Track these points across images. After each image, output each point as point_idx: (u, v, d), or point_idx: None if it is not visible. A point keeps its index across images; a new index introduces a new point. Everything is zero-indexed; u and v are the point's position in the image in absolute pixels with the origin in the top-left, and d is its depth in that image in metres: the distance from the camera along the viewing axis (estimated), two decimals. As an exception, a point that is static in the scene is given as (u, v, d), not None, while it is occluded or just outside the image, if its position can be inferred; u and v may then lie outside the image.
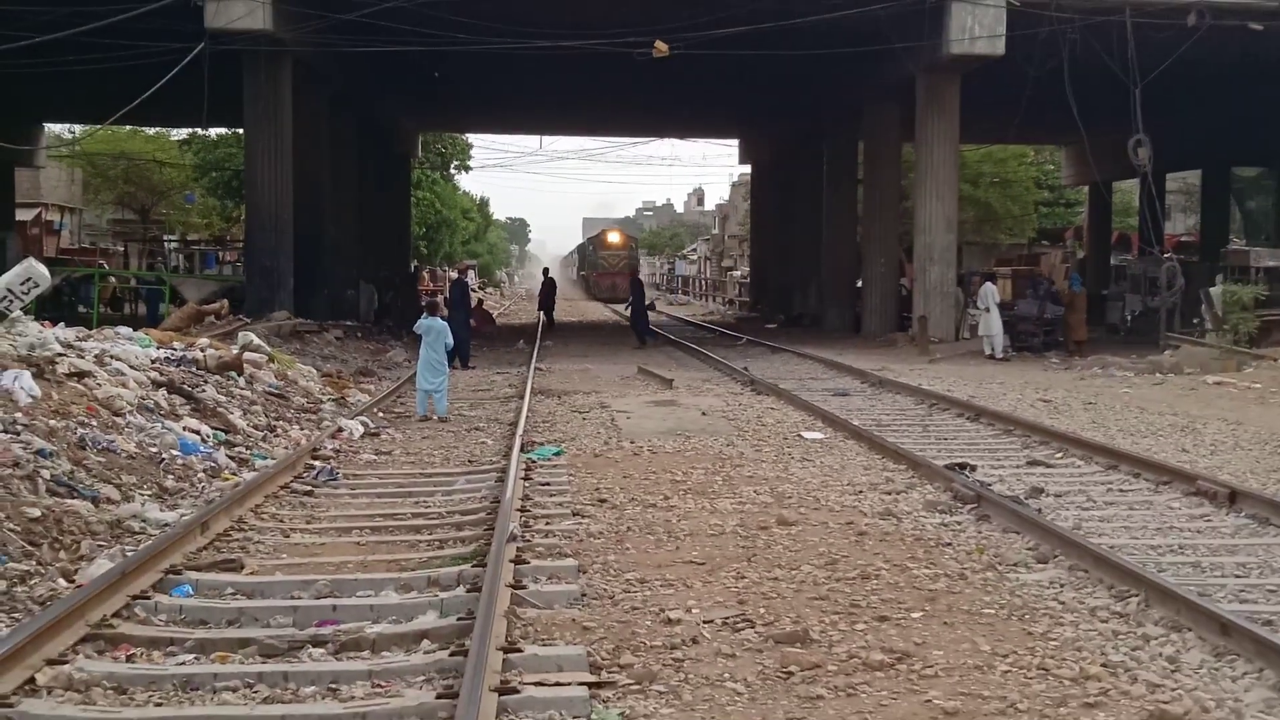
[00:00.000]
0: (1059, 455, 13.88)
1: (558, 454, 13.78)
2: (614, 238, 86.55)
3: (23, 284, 19.55)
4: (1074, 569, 8.56)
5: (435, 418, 17.37)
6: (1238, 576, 8.50)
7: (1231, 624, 6.86)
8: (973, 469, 12.39)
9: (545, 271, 49.59)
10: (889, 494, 11.54)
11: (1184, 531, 9.94)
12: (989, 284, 30.38)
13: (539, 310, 42.02)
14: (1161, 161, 30.91)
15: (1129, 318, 32.88)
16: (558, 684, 6.24)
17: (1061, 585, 8.19)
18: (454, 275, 36.37)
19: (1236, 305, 28.00)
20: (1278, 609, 7.63)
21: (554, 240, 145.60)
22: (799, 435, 15.48)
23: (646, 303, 37.37)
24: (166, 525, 9.74)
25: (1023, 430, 15.64)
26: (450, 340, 18.52)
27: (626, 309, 37.34)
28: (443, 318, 19.27)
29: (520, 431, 14.96)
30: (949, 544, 9.44)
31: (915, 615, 7.50)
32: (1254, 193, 54.14)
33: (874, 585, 8.18)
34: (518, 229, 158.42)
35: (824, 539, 9.57)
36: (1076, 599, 7.85)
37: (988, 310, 29.10)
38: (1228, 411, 18.41)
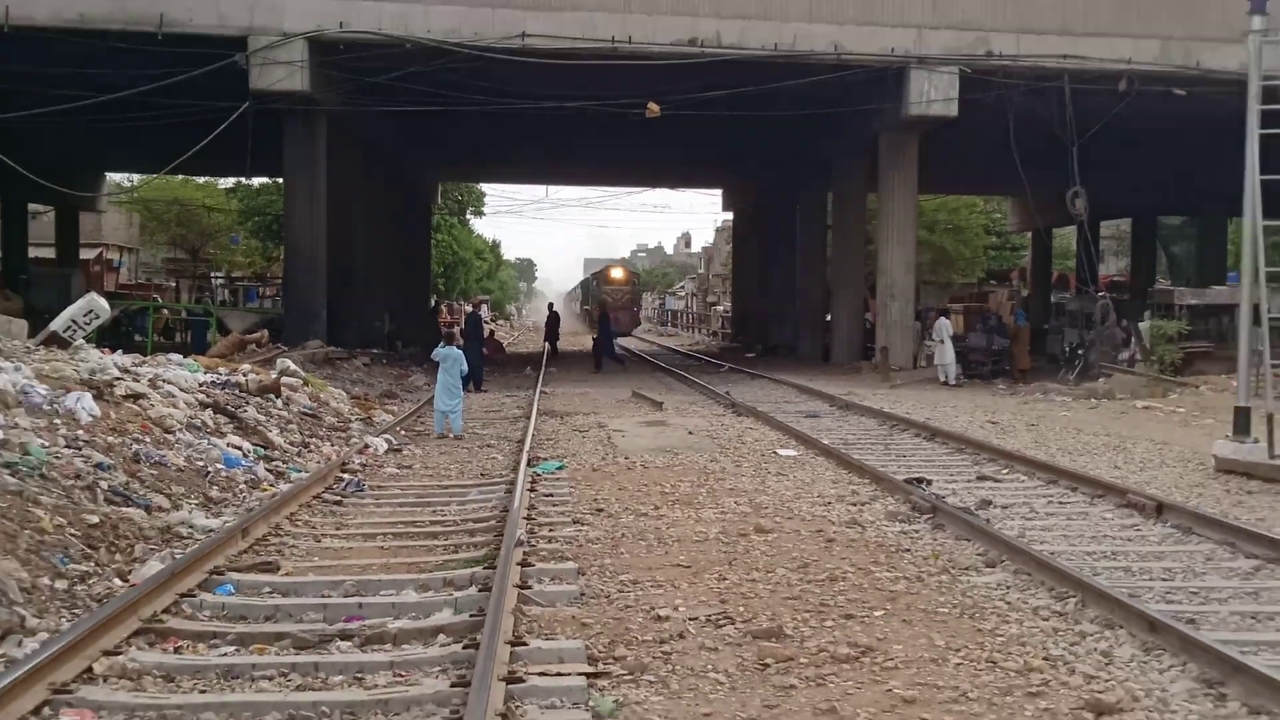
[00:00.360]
0: (1005, 471, 13.90)
1: (560, 468, 13.78)
2: (617, 273, 78.98)
3: (86, 315, 19.62)
4: (1018, 573, 8.58)
5: (451, 435, 17.37)
6: (1164, 580, 8.51)
7: (1159, 622, 6.87)
8: (929, 483, 12.41)
9: (550, 306, 48.26)
10: (854, 505, 11.56)
11: (1116, 539, 9.98)
12: (943, 319, 30.62)
13: (544, 340, 42.21)
14: (1096, 210, 31.02)
15: (1067, 350, 32.89)
16: (559, 674, 6.24)
17: (1008, 587, 8.21)
18: (469, 309, 36.34)
19: (1163, 339, 28.12)
20: (1200, 609, 7.65)
21: (558, 278, 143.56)
22: (775, 452, 15.49)
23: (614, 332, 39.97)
24: (211, 531, 9.72)
25: (973, 449, 15.68)
26: (465, 366, 18.58)
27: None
28: (458, 347, 19.33)
29: (527, 448, 14.98)
30: (908, 550, 9.46)
31: (878, 614, 7.51)
32: (1177, 239, 54.41)
33: (841, 586, 8.19)
34: (525, 268, 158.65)
35: (796, 545, 9.59)
36: (1021, 599, 7.86)
37: (942, 342, 29.26)
38: (1155, 433, 18.45)
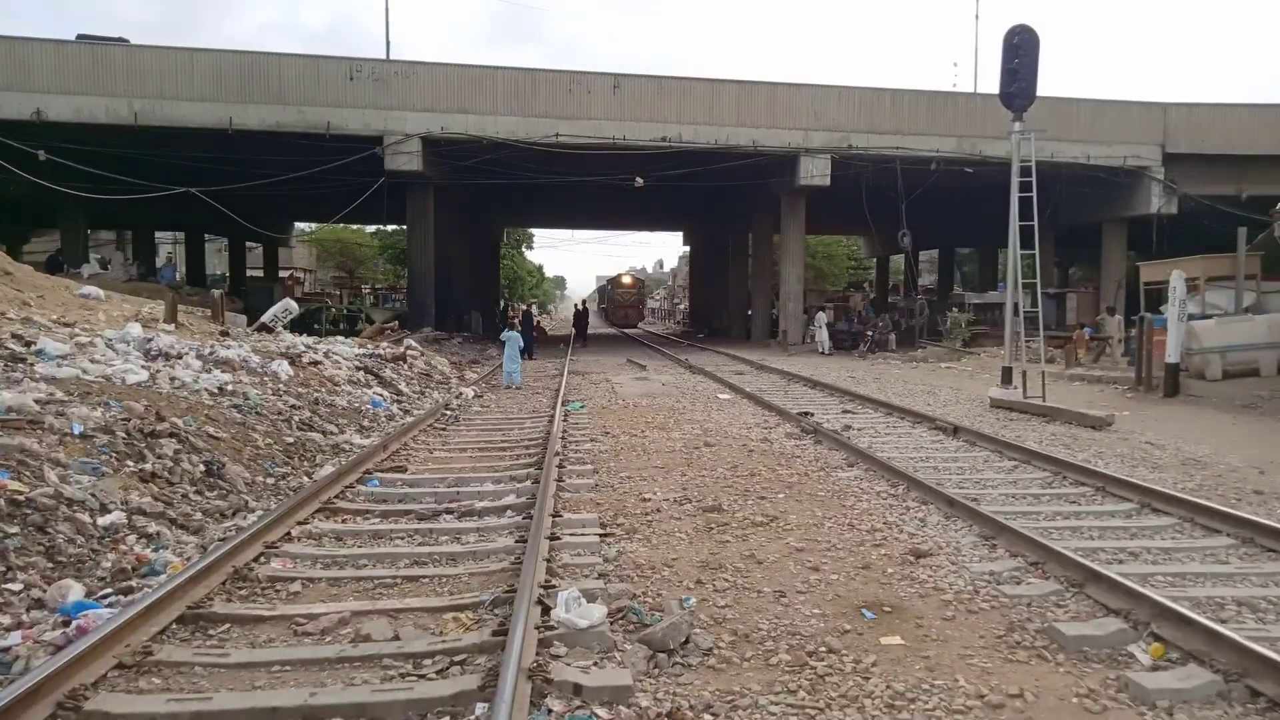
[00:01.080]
0: (859, 407, 13.95)
1: (581, 407, 13.78)
2: (626, 280, 68.71)
3: (283, 312, 19.54)
4: (868, 470, 8.62)
5: (514, 386, 17.38)
6: (958, 474, 8.55)
7: (955, 499, 6.93)
8: (812, 415, 12.44)
9: (583, 303, 41.93)
10: (766, 429, 11.57)
11: (928, 449, 10.01)
12: (821, 312, 30.64)
13: (573, 328, 37.25)
14: (916, 244, 30.87)
15: (893, 337, 33.02)
16: (581, 533, 6.28)
17: (861, 479, 8.24)
18: (524, 308, 36.25)
19: (958, 325, 28.17)
20: (980, 492, 7.70)
21: (580, 289, 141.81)
22: (716, 396, 15.51)
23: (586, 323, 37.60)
24: (363, 447, 9.73)
25: (839, 393, 15.70)
26: (522, 343, 18.63)
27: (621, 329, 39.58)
28: (518, 331, 19.47)
29: (561, 394, 14.98)
30: (799, 456, 9.48)
31: (780, 496, 7.54)
32: (967, 262, 54.38)
33: (757, 479, 8.22)
34: (559, 282, 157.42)
35: (730, 454, 9.60)
36: (870, 486, 7.90)
37: (820, 327, 29.26)
38: (953, 383, 18.51)
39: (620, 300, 64.66)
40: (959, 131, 27.82)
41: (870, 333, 29.00)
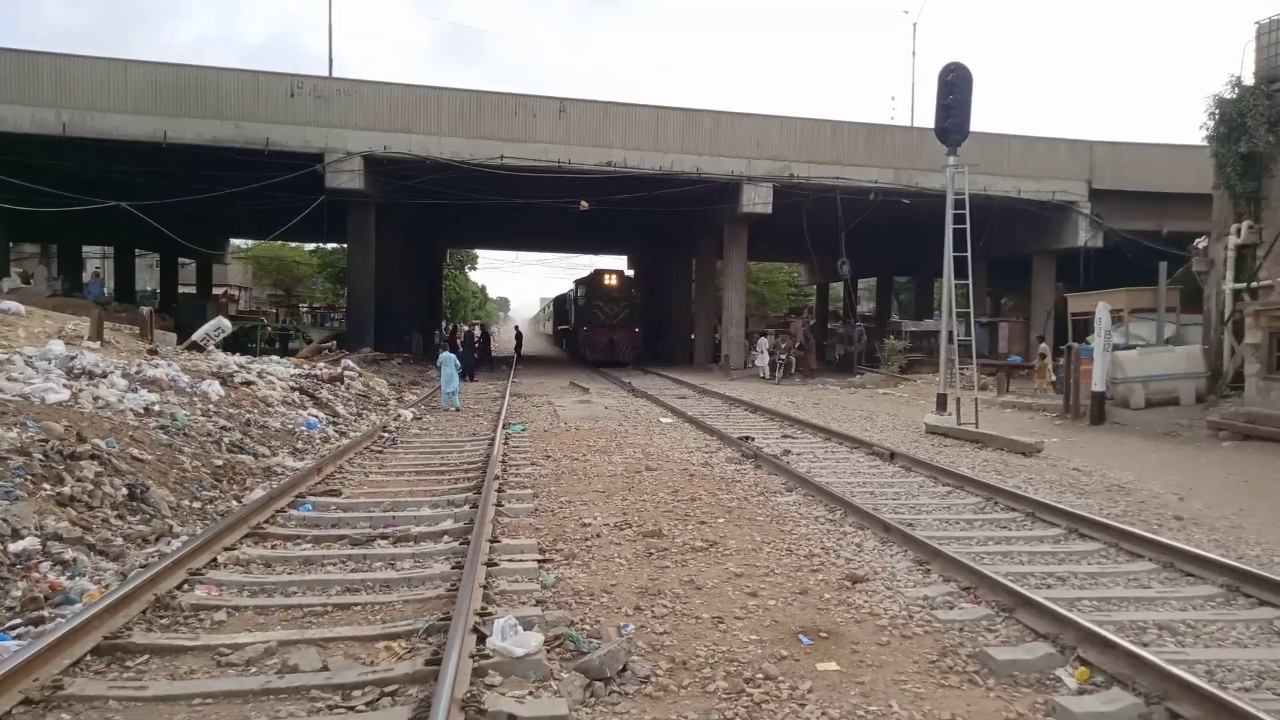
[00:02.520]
0: (799, 432, 14.09)
1: (523, 430, 13.66)
2: (610, 278, 37.26)
3: (215, 330, 19.08)
4: (807, 495, 8.69)
5: (453, 409, 17.17)
6: (894, 499, 8.69)
7: (890, 525, 7.02)
8: (752, 439, 12.53)
9: (516, 328, 49.49)
10: (707, 453, 11.61)
11: (865, 474, 10.15)
12: (763, 338, 30.92)
13: (514, 349, 41.36)
14: (855, 272, 31.56)
15: (838, 357, 33.52)
16: (519, 559, 6.20)
17: (800, 504, 8.30)
18: (465, 329, 36.02)
19: (895, 351, 28.69)
20: (915, 517, 7.81)
21: (524, 310, 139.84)
22: (658, 420, 15.52)
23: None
24: (296, 469, 9.49)
25: (779, 418, 15.86)
26: (459, 365, 18.51)
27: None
28: (458, 353, 19.33)
29: (503, 417, 14.84)
30: (739, 480, 9.53)
31: (720, 520, 7.56)
32: (904, 290, 55.55)
33: (697, 504, 8.23)
34: (502, 303, 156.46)
35: (670, 478, 9.60)
36: (808, 511, 7.96)
37: (761, 352, 29.53)
38: (889, 409, 18.83)
39: (602, 318, 35.16)
40: (897, 164, 28.49)
41: (783, 356, 29.21)
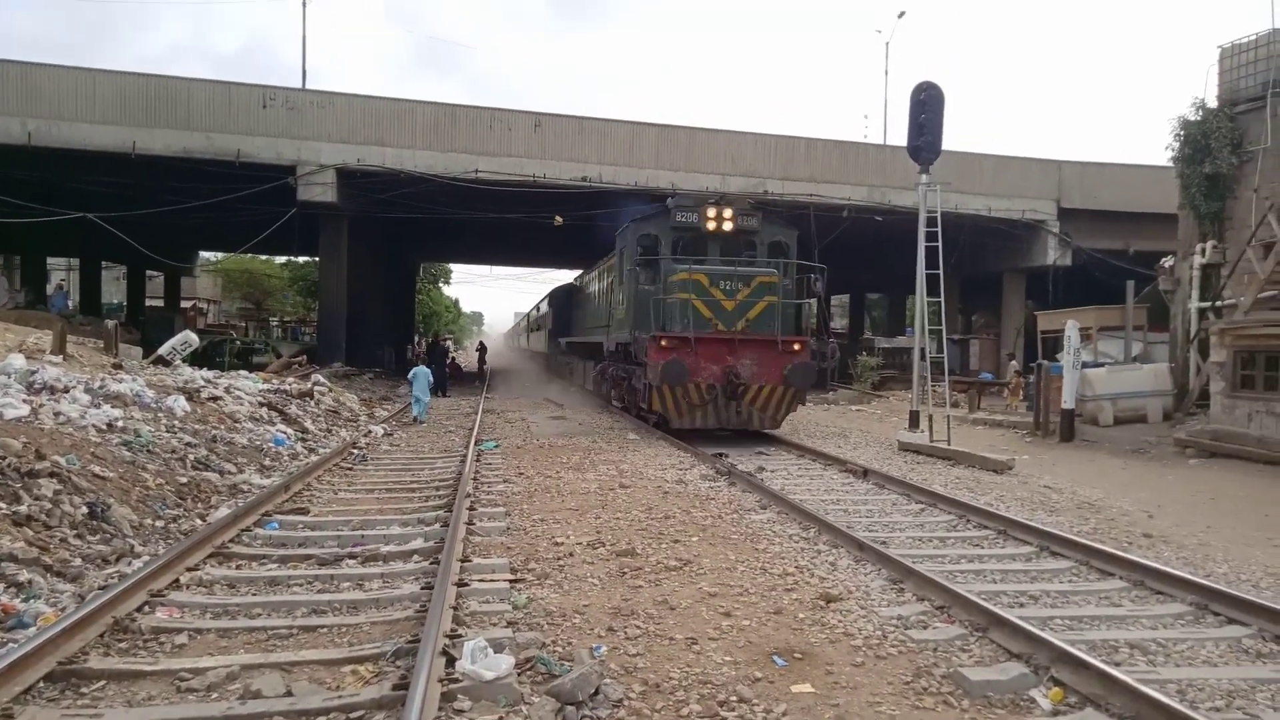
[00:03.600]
0: (773, 449, 14.08)
1: (495, 446, 13.54)
2: (728, 220, 14.75)
3: (182, 344, 18.79)
4: (781, 513, 8.67)
5: (419, 423, 17.08)
6: (868, 517, 8.70)
7: (864, 543, 7.01)
8: (727, 457, 12.48)
9: (480, 343, 50.51)
10: (681, 469, 11.56)
11: (839, 492, 10.15)
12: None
13: (478, 362, 41.61)
14: (829, 289, 31.73)
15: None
16: (491, 579, 6.11)
17: (774, 522, 8.28)
18: (430, 340, 36.03)
19: (868, 368, 28.85)
20: (889, 535, 7.83)
21: (498, 324, 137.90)
22: (631, 437, 15.42)
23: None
24: (264, 487, 9.33)
25: (753, 435, 15.77)
26: (431, 380, 18.63)
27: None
28: (430, 367, 19.39)
29: (475, 433, 14.71)
30: (713, 498, 9.49)
31: (694, 539, 7.51)
32: (876, 308, 56.06)
33: (671, 522, 8.17)
34: (476, 318, 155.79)
35: (644, 496, 9.53)
36: (782, 529, 7.94)
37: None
38: (863, 425, 18.92)
39: (708, 311, 14.26)
40: (870, 181, 28.75)
41: None
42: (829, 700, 4.32)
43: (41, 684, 4.20)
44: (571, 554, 6.92)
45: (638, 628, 5.24)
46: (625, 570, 6.46)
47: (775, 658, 4.81)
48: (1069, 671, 4.45)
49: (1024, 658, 4.73)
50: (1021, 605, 5.81)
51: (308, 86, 28.99)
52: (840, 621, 5.40)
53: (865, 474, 11.11)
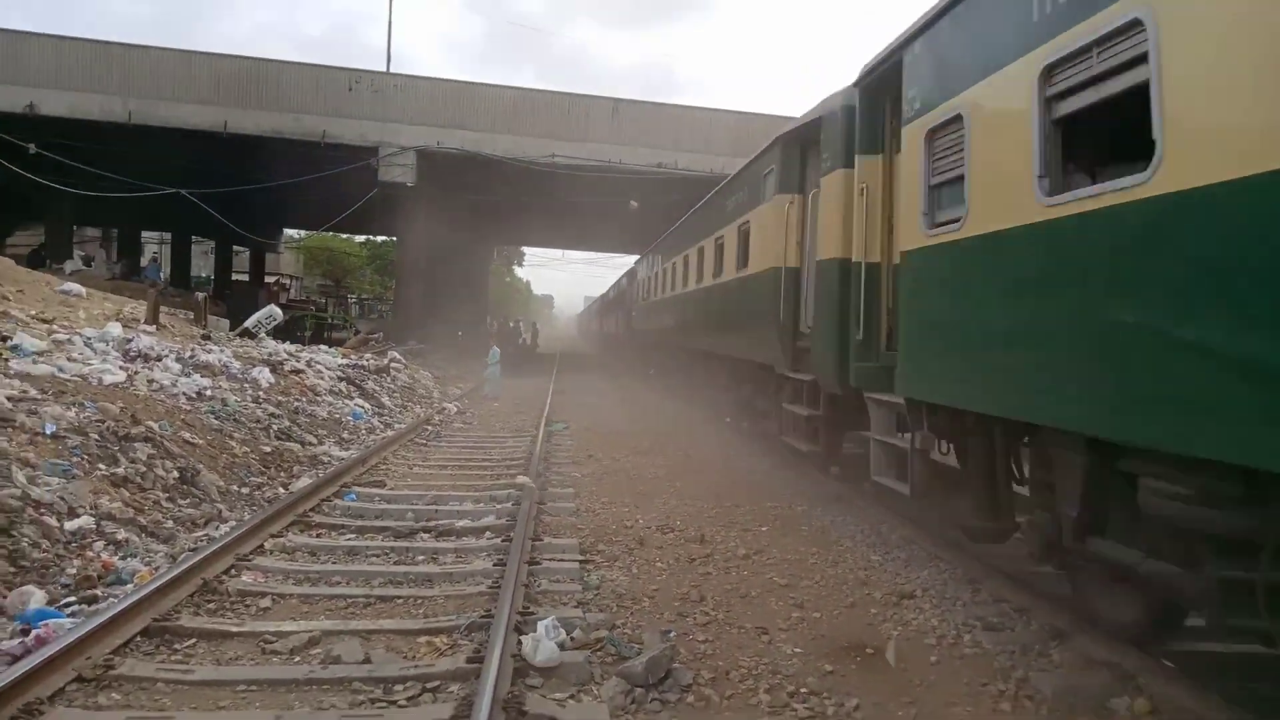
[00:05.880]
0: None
1: (565, 428, 13.65)
2: None
3: (267, 318, 19.39)
4: (852, 507, 8.50)
5: (494, 399, 17.48)
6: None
7: (942, 540, 6.83)
8: (802, 448, 12.24)
9: (534, 325, 48.42)
10: (753, 457, 11.39)
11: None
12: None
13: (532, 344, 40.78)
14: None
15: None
16: (561, 559, 6.18)
17: (845, 516, 8.10)
18: (511, 325, 36.52)
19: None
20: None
21: (569, 308, 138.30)
22: (703, 423, 15.26)
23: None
24: (342, 459, 9.60)
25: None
26: (498, 358, 19.61)
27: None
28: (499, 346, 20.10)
29: (545, 414, 14.86)
30: (785, 489, 9.36)
31: (764, 529, 7.45)
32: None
33: (741, 511, 8.11)
34: (546, 300, 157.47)
35: (715, 483, 9.45)
36: (853, 524, 7.78)
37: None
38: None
39: None
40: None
41: None
42: (903, 698, 4.25)
43: (139, 638, 4.40)
44: (640, 538, 6.93)
45: (707, 614, 5.23)
46: (695, 557, 6.45)
47: (848, 651, 4.76)
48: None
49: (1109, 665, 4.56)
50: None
51: (391, 70, 29.54)
52: (915, 618, 5.29)
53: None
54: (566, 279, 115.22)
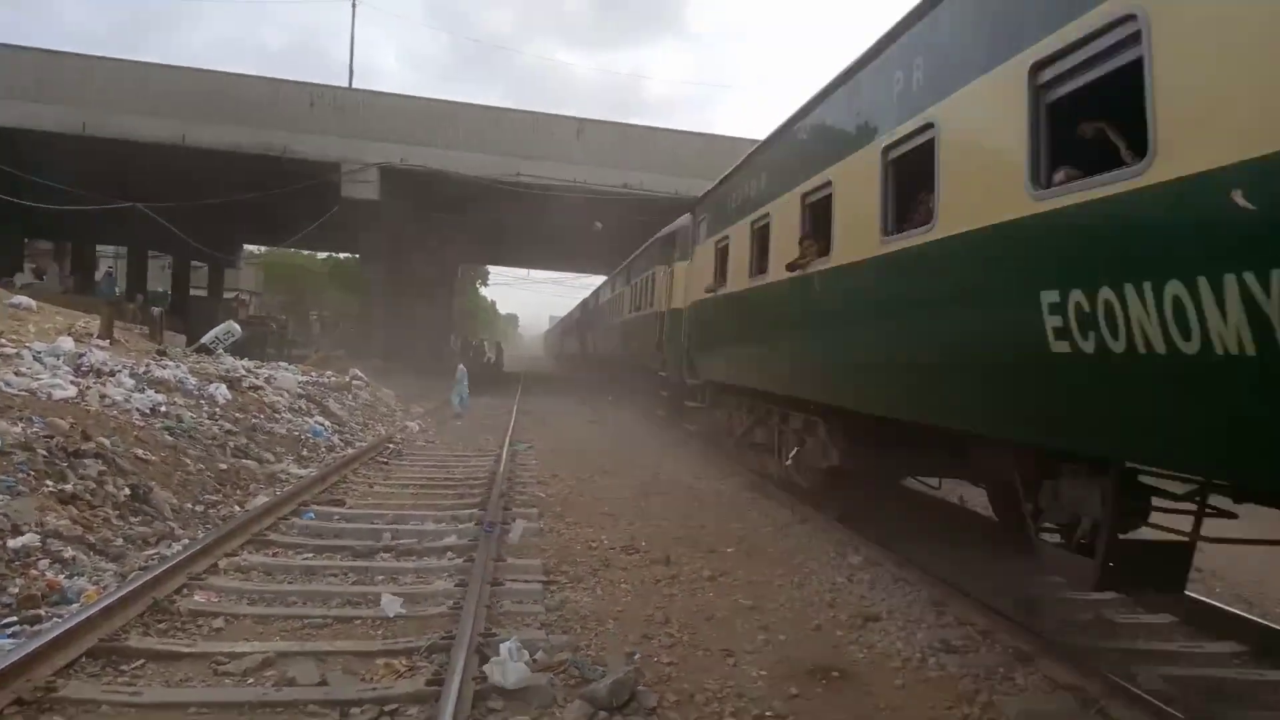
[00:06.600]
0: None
1: (529, 449, 13.54)
2: None
3: (225, 334, 19.03)
4: (818, 528, 8.53)
5: (459, 419, 17.32)
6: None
7: (904, 560, 6.88)
8: (767, 468, 12.29)
9: (498, 344, 49.93)
10: (719, 478, 11.41)
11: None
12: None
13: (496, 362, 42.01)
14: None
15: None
16: (525, 580, 6.10)
17: (811, 537, 8.15)
18: (475, 343, 36.35)
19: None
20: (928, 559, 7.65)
21: (533, 326, 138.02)
22: (670, 443, 15.24)
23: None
24: (301, 477, 9.43)
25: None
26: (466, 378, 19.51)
27: None
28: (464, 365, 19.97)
29: (510, 434, 14.74)
30: (751, 511, 9.38)
31: (730, 550, 7.44)
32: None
33: (707, 532, 8.09)
34: (511, 320, 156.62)
35: (680, 504, 9.46)
36: (819, 545, 7.80)
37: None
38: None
39: None
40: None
41: None
42: (868, 720, 4.23)
43: (84, 659, 4.25)
44: (605, 559, 6.89)
45: (672, 636, 5.19)
46: (660, 578, 6.41)
47: (812, 674, 4.74)
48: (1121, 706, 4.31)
49: (1073, 689, 4.59)
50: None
51: (354, 86, 29.40)
52: (880, 641, 5.29)
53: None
54: (532, 299, 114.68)
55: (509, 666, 4.26)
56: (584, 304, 34.71)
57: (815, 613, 5.81)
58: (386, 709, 3.99)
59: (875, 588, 6.44)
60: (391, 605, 5.25)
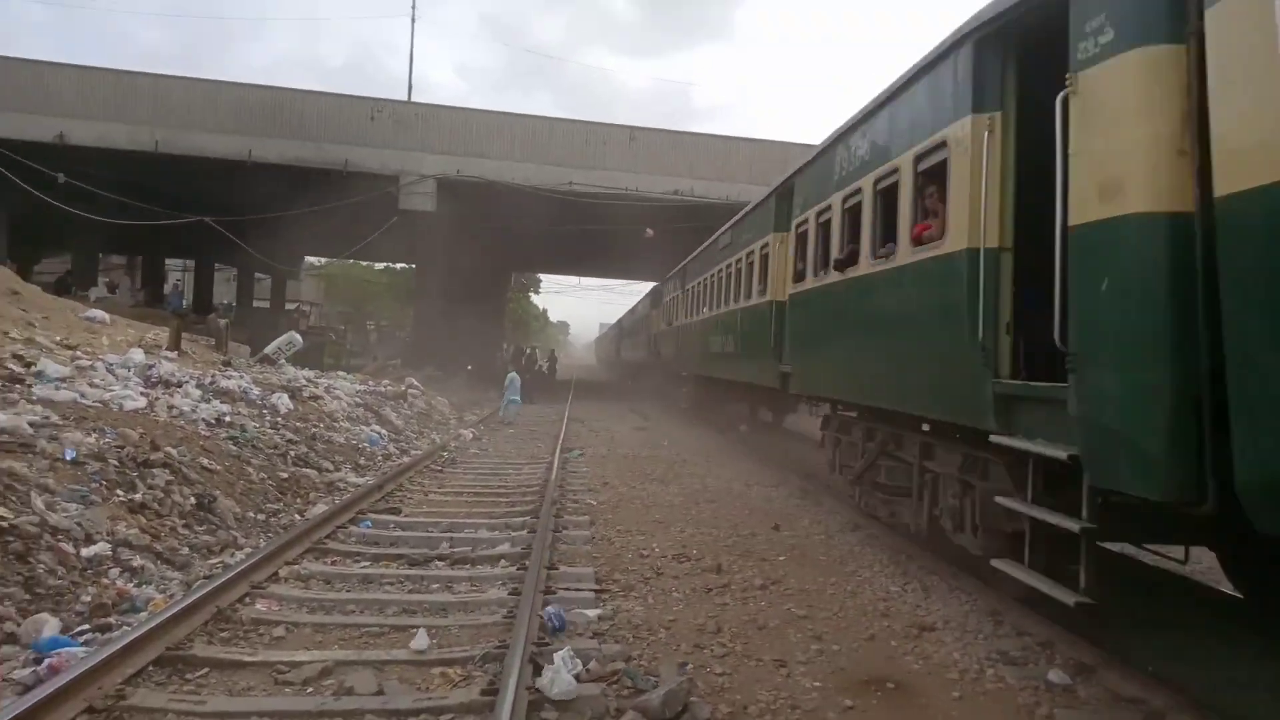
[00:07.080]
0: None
1: (579, 456, 13.60)
2: None
3: (287, 345, 19.47)
4: (870, 536, 8.42)
5: (511, 426, 17.45)
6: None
7: (961, 572, 6.73)
8: (818, 475, 12.17)
9: (552, 351, 46.00)
10: (769, 486, 11.36)
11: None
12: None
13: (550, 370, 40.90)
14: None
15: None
16: (577, 589, 6.10)
17: (864, 545, 8.04)
18: (528, 351, 36.58)
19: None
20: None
21: (584, 334, 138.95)
22: (718, 451, 15.26)
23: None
24: (358, 485, 9.59)
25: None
26: (519, 385, 20.07)
27: None
28: (517, 372, 20.16)
29: (560, 442, 14.82)
30: (802, 518, 9.28)
31: (781, 559, 7.36)
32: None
33: (758, 540, 8.03)
34: (562, 327, 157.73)
35: (731, 511, 9.40)
36: (871, 553, 7.69)
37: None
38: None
39: None
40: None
41: None
42: (924, 735, 4.14)
43: (151, 667, 4.36)
44: (657, 567, 6.86)
45: (724, 646, 5.14)
46: (711, 587, 6.36)
47: (867, 685, 4.65)
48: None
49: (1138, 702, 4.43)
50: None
51: (412, 99, 29.88)
52: (935, 651, 5.18)
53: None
54: (581, 305, 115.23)
55: (560, 677, 4.26)
56: (656, 295, 29.58)
57: (869, 622, 5.71)
58: (442, 718, 4.02)
59: (930, 596, 6.31)
60: (420, 640, 4.95)
